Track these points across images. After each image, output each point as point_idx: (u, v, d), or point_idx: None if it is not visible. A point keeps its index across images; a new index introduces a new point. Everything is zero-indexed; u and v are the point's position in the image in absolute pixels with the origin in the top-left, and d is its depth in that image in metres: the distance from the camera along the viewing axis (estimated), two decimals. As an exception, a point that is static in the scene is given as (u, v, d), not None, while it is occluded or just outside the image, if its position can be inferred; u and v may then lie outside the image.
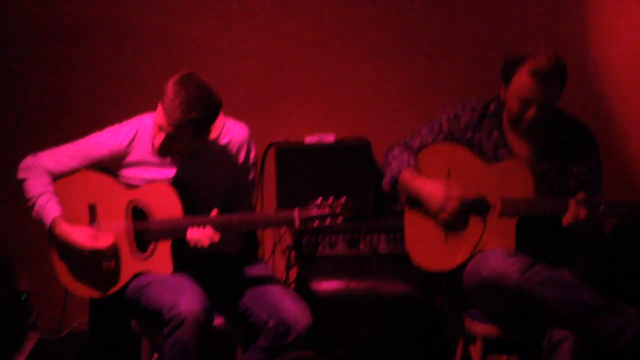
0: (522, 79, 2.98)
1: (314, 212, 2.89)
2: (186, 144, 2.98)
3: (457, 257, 3.12)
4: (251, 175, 3.21)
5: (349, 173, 3.74)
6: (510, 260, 2.91)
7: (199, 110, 2.89)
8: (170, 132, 2.92)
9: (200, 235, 2.93)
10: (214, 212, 2.96)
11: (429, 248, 3.19)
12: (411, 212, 3.24)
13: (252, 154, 3.20)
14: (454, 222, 3.12)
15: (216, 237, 2.93)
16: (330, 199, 2.90)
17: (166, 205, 3.02)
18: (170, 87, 2.89)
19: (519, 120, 3.04)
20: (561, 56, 2.99)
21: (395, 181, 3.20)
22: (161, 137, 2.95)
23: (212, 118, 2.98)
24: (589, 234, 2.97)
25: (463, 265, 3.10)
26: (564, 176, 3.10)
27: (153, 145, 3.02)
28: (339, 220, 2.88)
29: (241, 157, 3.17)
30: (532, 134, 3.09)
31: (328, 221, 2.88)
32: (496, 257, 2.95)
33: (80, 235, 3.04)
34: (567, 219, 2.92)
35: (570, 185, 3.09)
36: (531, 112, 3.00)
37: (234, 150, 3.16)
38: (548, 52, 2.97)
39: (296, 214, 2.90)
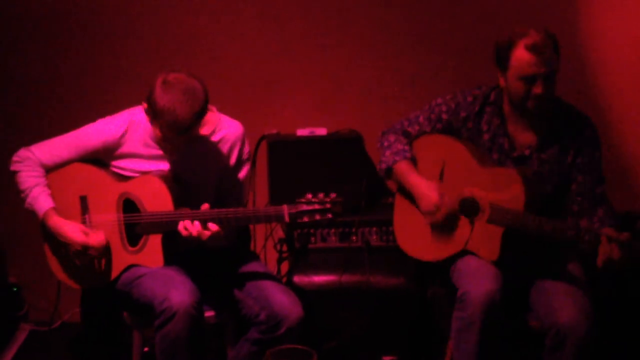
0: (520, 58, 2.93)
1: (304, 207, 2.88)
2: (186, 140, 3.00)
3: (442, 252, 3.13)
4: (244, 171, 3.21)
5: (340, 166, 3.74)
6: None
7: (195, 113, 2.89)
8: (179, 140, 2.95)
9: (194, 228, 2.92)
10: (205, 206, 2.96)
11: (414, 237, 3.21)
12: (402, 199, 3.25)
13: (246, 150, 3.20)
14: (442, 224, 3.12)
15: (214, 227, 2.92)
16: (321, 195, 2.90)
17: (157, 199, 3.02)
18: (158, 98, 2.86)
19: (527, 101, 2.97)
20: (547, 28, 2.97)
21: (389, 171, 3.21)
22: (169, 146, 2.99)
23: (205, 112, 2.97)
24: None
25: (448, 260, 3.12)
26: (565, 167, 3.06)
27: (157, 141, 3.04)
28: (329, 216, 2.88)
29: (235, 153, 3.17)
30: (537, 119, 3.04)
31: (317, 217, 2.87)
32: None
33: (72, 230, 3.05)
34: (600, 261, 2.82)
35: (571, 176, 3.06)
36: (538, 88, 2.93)
37: (227, 145, 3.15)
38: (535, 27, 2.94)
39: (285, 209, 2.89)
